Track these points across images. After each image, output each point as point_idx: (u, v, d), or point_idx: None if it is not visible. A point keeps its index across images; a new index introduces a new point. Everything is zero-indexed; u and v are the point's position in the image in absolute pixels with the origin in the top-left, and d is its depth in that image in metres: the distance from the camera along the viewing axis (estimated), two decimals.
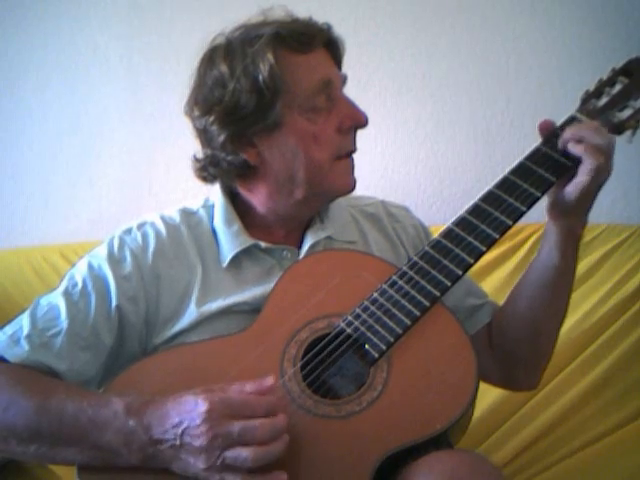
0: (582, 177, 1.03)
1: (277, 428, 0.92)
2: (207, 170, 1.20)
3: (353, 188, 1.19)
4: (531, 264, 1.20)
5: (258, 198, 1.19)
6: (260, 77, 1.08)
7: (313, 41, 1.12)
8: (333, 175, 1.15)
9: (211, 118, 1.13)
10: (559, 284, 1.16)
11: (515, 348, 1.22)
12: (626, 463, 1.41)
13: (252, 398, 0.94)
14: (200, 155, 1.20)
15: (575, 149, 1.05)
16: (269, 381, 0.97)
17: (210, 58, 1.14)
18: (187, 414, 0.92)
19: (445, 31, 1.87)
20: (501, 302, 1.29)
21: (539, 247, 1.18)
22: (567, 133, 1.07)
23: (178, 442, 0.92)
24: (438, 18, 1.87)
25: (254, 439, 0.90)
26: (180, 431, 0.92)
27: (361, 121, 1.16)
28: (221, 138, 1.13)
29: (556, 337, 1.22)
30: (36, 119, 1.98)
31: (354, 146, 1.18)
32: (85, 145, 1.97)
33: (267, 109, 1.10)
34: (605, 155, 1.03)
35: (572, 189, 1.05)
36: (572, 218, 1.10)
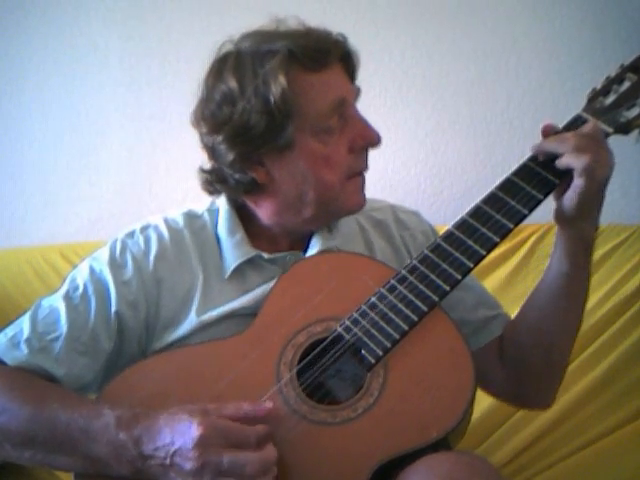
0: (577, 181, 1.01)
1: (266, 463, 0.91)
2: (213, 185, 1.18)
3: (363, 206, 1.17)
4: (543, 275, 1.16)
5: (264, 212, 1.18)
6: (272, 99, 1.05)
7: (327, 57, 1.09)
8: (344, 195, 1.14)
9: (219, 137, 1.10)
10: (571, 293, 1.13)
11: (526, 361, 1.18)
12: (626, 463, 1.41)
13: (246, 428, 0.93)
14: (206, 167, 1.18)
15: (561, 163, 1.03)
16: (268, 405, 0.97)
17: (219, 70, 1.11)
18: (180, 436, 0.91)
19: (445, 31, 1.86)
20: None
21: (550, 255, 1.15)
22: (539, 153, 1.07)
23: (168, 462, 0.92)
24: (438, 19, 1.87)
25: (243, 474, 0.89)
26: (171, 451, 0.91)
27: (373, 141, 1.14)
28: (230, 157, 1.11)
29: (569, 351, 1.18)
30: (36, 119, 1.98)
31: (366, 164, 1.16)
32: (85, 145, 1.97)
33: (278, 131, 1.07)
34: (589, 153, 1.00)
35: (571, 194, 1.03)
36: (579, 223, 1.07)
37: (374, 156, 1.88)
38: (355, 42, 1.65)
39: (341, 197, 1.14)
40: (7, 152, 1.99)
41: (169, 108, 1.89)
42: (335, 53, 1.11)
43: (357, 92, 1.17)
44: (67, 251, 1.78)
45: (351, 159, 1.13)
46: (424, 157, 1.89)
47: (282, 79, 1.05)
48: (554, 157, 1.05)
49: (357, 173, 1.16)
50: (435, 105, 1.88)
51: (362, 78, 1.86)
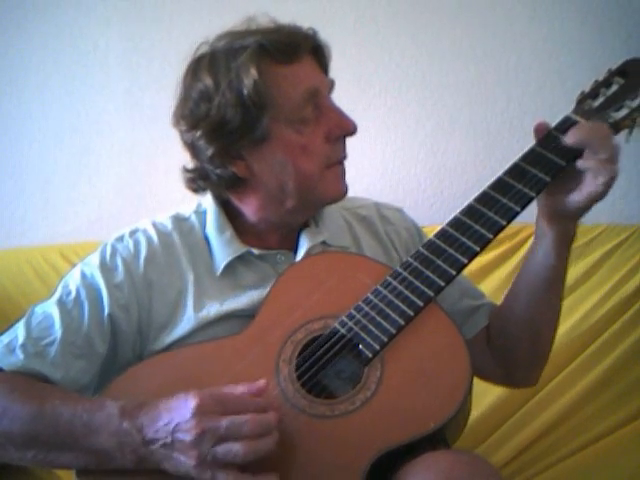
0: (597, 188, 1.03)
1: (266, 423, 0.93)
2: (197, 183, 1.20)
3: (344, 194, 1.19)
4: (526, 265, 1.20)
5: (249, 208, 1.19)
6: (245, 92, 1.07)
7: (298, 50, 1.11)
8: (323, 184, 1.15)
9: (198, 133, 1.12)
10: (556, 282, 1.17)
11: (515, 347, 1.22)
12: (626, 463, 1.41)
13: (242, 395, 0.95)
14: (190, 166, 1.20)
15: (586, 164, 1.04)
16: (261, 383, 0.97)
17: (194, 70, 1.14)
18: (177, 411, 0.93)
19: (445, 31, 1.87)
20: (500, 302, 1.29)
21: (531, 248, 1.18)
22: (571, 138, 1.07)
23: (170, 439, 0.92)
24: (438, 18, 1.87)
25: (242, 433, 0.90)
26: (171, 428, 0.92)
27: (349, 129, 1.15)
28: (209, 152, 1.13)
29: (554, 333, 1.23)
30: (36, 119, 1.98)
31: (344, 153, 1.17)
32: (85, 145, 1.97)
33: (253, 123, 1.09)
34: (616, 163, 1.03)
35: (582, 198, 1.04)
36: (571, 222, 1.11)
37: (375, 156, 1.89)
38: (355, 41, 1.66)
39: (321, 186, 1.15)
40: (7, 152, 1.99)
41: (169, 108, 1.88)
42: (305, 46, 1.13)
43: (331, 84, 1.18)
44: (67, 251, 1.79)
45: (328, 148, 1.15)
46: (424, 157, 1.89)
47: (254, 72, 1.07)
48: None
49: (336, 162, 1.17)
50: (435, 105, 1.88)
51: (362, 78, 1.87)
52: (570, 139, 1.07)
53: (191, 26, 1.91)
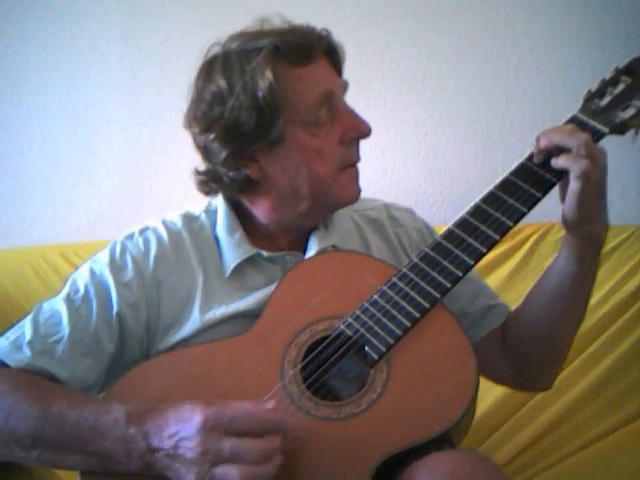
0: (573, 185, 1.00)
1: (270, 450, 0.91)
2: (209, 185, 1.19)
3: (358, 197, 1.18)
4: (548, 270, 1.17)
5: (261, 210, 1.18)
6: (260, 94, 1.07)
7: (312, 52, 1.11)
8: (337, 187, 1.14)
9: (211, 135, 1.11)
10: (578, 290, 1.14)
11: (531, 352, 1.20)
12: (626, 463, 1.41)
13: (248, 413, 0.93)
14: (201, 168, 1.19)
15: (558, 162, 1.02)
16: (270, 405, 0.95)
17: (207, 72, 1.13)
18: (182, 424, 0.92)
19: (445, 31, 1.87)
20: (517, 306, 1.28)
21: (558, 253, 1.15)
22: (540, 143, 1.05)
23: (172, 452, 0.92)
24: (438, 18, 1.87)
25: (244, 460, 0.90)
26: (175, 441, 0.92)
27: (364, 132, 1.15)
28: (222, 155, 1.12)
29: (572, 340, 1.20)
30: (36, 119, 1.98)
31: (357, 156, 1.17)
32: (85, 145, 1.97)
33: (268, 126, 1.08)
34: (588, 155, 0.99)
35: (568, 199, 1.02)
36: (585, 227, 1.06)
37: (375, 156, 1.89)
38: (355, 42, 1.65)
39: (335, 189, 1.14)
40: (7, 152, 1.99)
41: (169, 108, 1.88)
42: (319, 47, 1.12)
43: (345, 85, 1.18)
44: (67, 251, 1.79)
45: (342, 151, 1.14)
46: (424, 157, 1.89)
47: (269, 74, 1.07)
48: (551, 155, 1.05)
49: (350, 164, 1.16)
50: (435, 105, 1.88)
51: (362, 78, 1.87)
52: (541, 144, 1.04)
53: (191, 26, 1.91)
